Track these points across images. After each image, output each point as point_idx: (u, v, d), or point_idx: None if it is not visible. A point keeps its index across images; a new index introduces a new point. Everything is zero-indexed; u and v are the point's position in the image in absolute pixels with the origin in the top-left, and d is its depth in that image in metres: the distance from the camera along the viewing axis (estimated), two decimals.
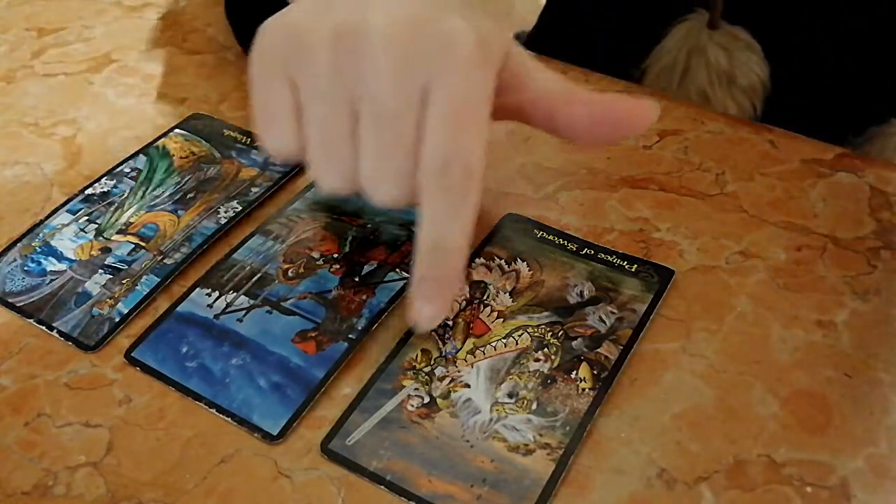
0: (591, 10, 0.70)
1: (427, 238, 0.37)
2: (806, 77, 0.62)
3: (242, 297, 0.42)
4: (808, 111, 0.51)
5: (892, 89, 0.59)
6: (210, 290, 0.42)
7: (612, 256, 0.43)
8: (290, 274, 0.43)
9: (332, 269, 0.43)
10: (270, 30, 0.38)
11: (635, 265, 0.42)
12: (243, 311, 0.41)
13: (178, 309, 0.41)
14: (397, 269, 0.43)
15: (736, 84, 0.60)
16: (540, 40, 0.78)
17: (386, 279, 0.42)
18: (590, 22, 0.71)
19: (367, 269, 0.43)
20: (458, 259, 0.37)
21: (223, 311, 0.41)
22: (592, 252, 0.43)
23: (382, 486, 0.34)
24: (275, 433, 0.36)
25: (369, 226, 0.45)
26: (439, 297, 0.37)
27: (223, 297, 0.42)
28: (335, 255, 0.44)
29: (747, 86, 0.60)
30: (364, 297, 0.41)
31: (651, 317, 0.40)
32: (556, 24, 0.76)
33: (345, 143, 0.37)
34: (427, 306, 0.37)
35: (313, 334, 0.40)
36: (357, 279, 0.42)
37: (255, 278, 0.42)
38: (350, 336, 0.40)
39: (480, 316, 0.40)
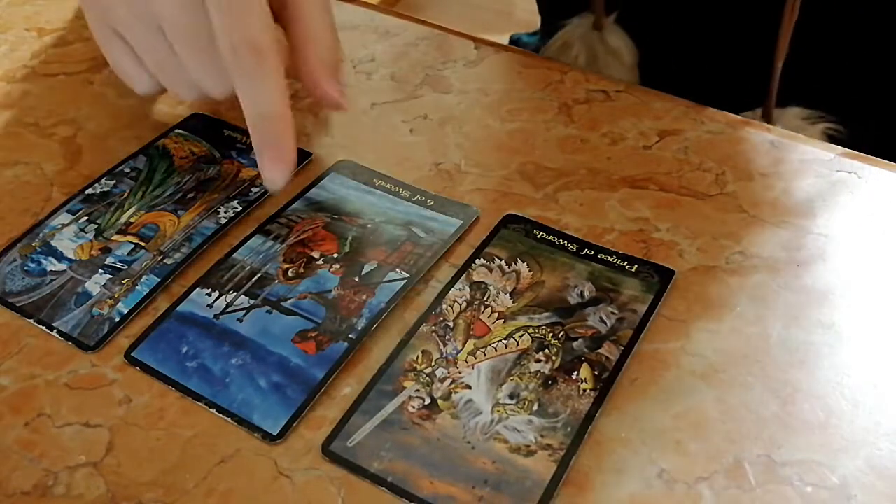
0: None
1: (248, 113, 0.42)
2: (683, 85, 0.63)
3: (242, 297, 0.42)
4: None
5: (762, 79, 0.60)
6: (210, 290, 0.42)
7: (612, 257, 0.43)
8: (290, 274, 0.43)
9: (332, 269, 0.43)
10: None
11: (635, 265, 0.42)
12: (243, 311, 0.41)
13: (178, 309, 0.41)
14: (398, 269, 0.43)
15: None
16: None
17: (386, 279, 0.42)
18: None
19: (367, 268, 0.43)
20: (280, 124, 0.42)
21: (223, 311, 0.41)
22: (592, 252, 0.43)
23: (384, 488, 0.34)
24: (275, 433, 0.36)
25: (369, 225, 0.45)
26: (279, 161, 0.42)
27: (223, 297, 0.42)
28: (335, 255, 0.44)
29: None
30: (364, 297, 0.41)
31: (652, 317, 0.40)
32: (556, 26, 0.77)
33: (172, 62, 0.43)
34: (272, 170, 0.42)
35: (313, 334, 0.40)
36: (357, 279, 0.42)
37: (255, 278, 0.42)
38: (350, 336, 0.40)
39: (481, 317, 0.40)
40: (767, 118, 0.58)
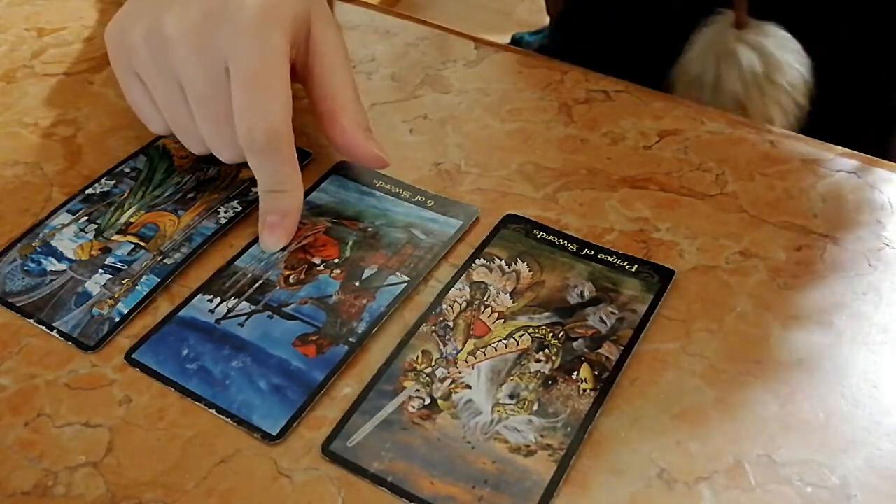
0: (610, 12, 0.69)
1: (260, 186, 0.44)
2: (849, 63, 0.58)
3: (244, 302, 0.42)
4: (856, 101, 0.49)
5: None
6: (212, 296, 0.42)
7: (612, 257, 0.43)
8: (291, 280, 0.43)
9: (332, 274, 0.43)
10: (108, 33, 0.45)
11: (635, 265, 0.42)
12: (244, 317, 0.41)
13: (180, 314, 0.41)
14: (398, 273, 0.43)
15: (775, 84, 0.57)
16: (558, 41, 0.77)
17: (386, 283, 0.42)
18: (609, 23, 0.69)
19: (367, 272, 0.43)
20: (289, 200, 0.44)
21: (224, 317, 0.41)
22: (592, 252, 0.43)
23: (384, 488, 0.34)
24: (274, 433, 0.36)
25: (370, 229, 0.45)
26: (280, 228, 0.44)
27: (224, 303, 0.42)
28: (336, 261, 0.44)
29: (787, 84, 0.56)
30: (365, 301, 0.41)
31: (652, 317, 0.40)
32: (574, 26, 0.76)
33: (185, 117, 0.44)
34: (270, 236, 0.44)
35: (314, 338, 0.40)
36: (358, 283, 0.42)
37: (257, 285, 0.42)
38: (350, 340, 0.40)
39: (481, 317, 0.40)
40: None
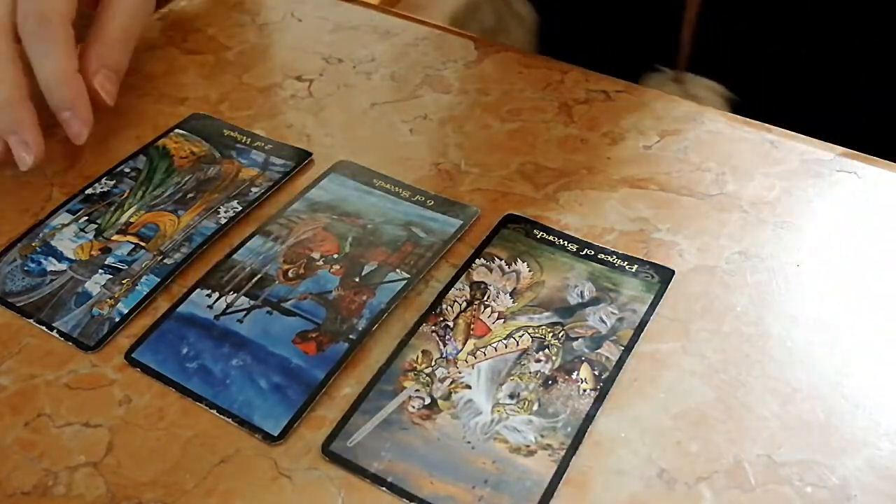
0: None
1: (39, 78, 0.46)
2: (578, 25, 0.68)
3: (243, 297, 0.42)
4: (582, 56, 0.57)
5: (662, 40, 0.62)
6: (210, 290, 0.42)
7: (612, 257, 0.43)
8: (290, 275, 0.43)
9: (332, 270, 0.43)
10: None
11: (635, 265, 0.42)
12: (244, 312, 0.41)
13: (179, 310, 0.41)
14: (398, 270, 0.43)
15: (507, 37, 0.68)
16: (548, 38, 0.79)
17: (386, 279, 0.42)
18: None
19: (367, 269, 0.43)
20: (68, 88, 0.47)
21: (223, 312, 0.41)
22: (592, 252, 0.43)
23: (384, 488, 0.34)
24: (276, 434, 0.36)
25: (369, 226, 0.45)
26: (76, 120, 0.47)
27: (223, 298, 0.42)
28: (335, 256, 0.44)
29: (515, 40, 0.68)
30: (364, 297, 0.41)
31: (652, 317, 0.40)
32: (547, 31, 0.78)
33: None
34: (71, 127, 0.48)
35: (314, 335, 0.40)
36: (357, 279, 0.42)
37: (256, 279, 0.42)
38: (350, 336, 0.40)
39: (481, 317, 0.40)
40: (679, 81, 0.60)
